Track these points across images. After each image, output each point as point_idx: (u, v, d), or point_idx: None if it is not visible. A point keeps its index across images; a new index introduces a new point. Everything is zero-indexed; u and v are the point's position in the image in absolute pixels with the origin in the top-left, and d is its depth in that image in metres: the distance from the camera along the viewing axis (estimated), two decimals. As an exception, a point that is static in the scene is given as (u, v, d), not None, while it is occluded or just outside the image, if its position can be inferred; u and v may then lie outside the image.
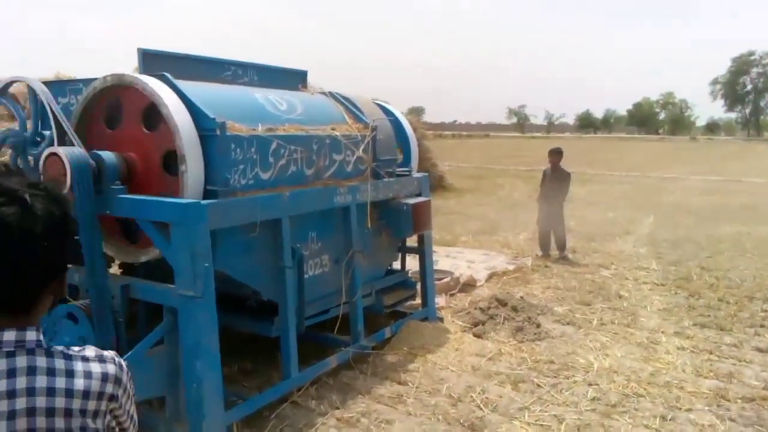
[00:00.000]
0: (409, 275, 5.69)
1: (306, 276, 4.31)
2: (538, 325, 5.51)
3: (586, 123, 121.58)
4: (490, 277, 7.35)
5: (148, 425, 3.28)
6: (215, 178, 3.53)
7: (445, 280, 6.68)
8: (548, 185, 8.64)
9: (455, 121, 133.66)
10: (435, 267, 7.50)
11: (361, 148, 4.70)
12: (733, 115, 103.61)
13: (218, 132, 3.48)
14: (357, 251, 4.58)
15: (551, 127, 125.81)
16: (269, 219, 3.81)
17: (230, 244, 3.67)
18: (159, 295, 3.48)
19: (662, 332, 5.46)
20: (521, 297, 5.94)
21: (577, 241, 9.54)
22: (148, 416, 3.58)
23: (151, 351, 3.39)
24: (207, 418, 3.34)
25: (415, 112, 79.41)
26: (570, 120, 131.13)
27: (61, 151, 3.31)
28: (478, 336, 5.33)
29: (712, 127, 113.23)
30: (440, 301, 6.24)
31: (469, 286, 6.92)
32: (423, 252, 5.58)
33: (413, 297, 5.59)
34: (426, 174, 5.57)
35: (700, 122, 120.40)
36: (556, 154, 8.63)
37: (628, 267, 8.06)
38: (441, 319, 5.69)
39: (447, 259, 8.19)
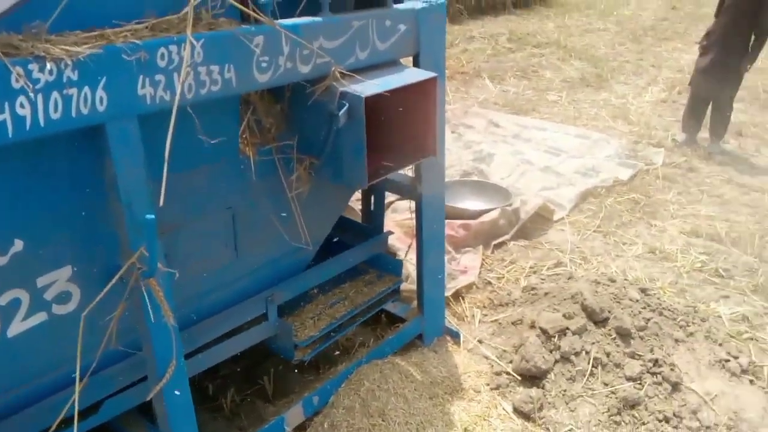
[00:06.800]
0: (389, 244, 2.58)
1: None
2: (675, 386, 2.35)
3: None
4: (583, 199, 4.03)
5: None
6: None
7: (490, 216, 3.44)
8: (732, 12, 4.62)
9: None
10: (481, 169, 4.08)
11: None
12: None
13: None
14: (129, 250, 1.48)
15: None
16: None
17: None
18: None
19: None
20: (640, 291, 2.72)
21: (742, 112, 5.75)
22: None
23: None
24: None
25: None
26: None
27: None
28: (526, 416, 2.28)
29: None
30: (468, 268, 3.12)
31: (539, 220, 3.67)
32: (419, 198, 2.36)
33: (393, 294, 2.52)
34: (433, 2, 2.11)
35: None
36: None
37: None
38: (455, 335, 2.64)
39: (512, 145, 4.83)
